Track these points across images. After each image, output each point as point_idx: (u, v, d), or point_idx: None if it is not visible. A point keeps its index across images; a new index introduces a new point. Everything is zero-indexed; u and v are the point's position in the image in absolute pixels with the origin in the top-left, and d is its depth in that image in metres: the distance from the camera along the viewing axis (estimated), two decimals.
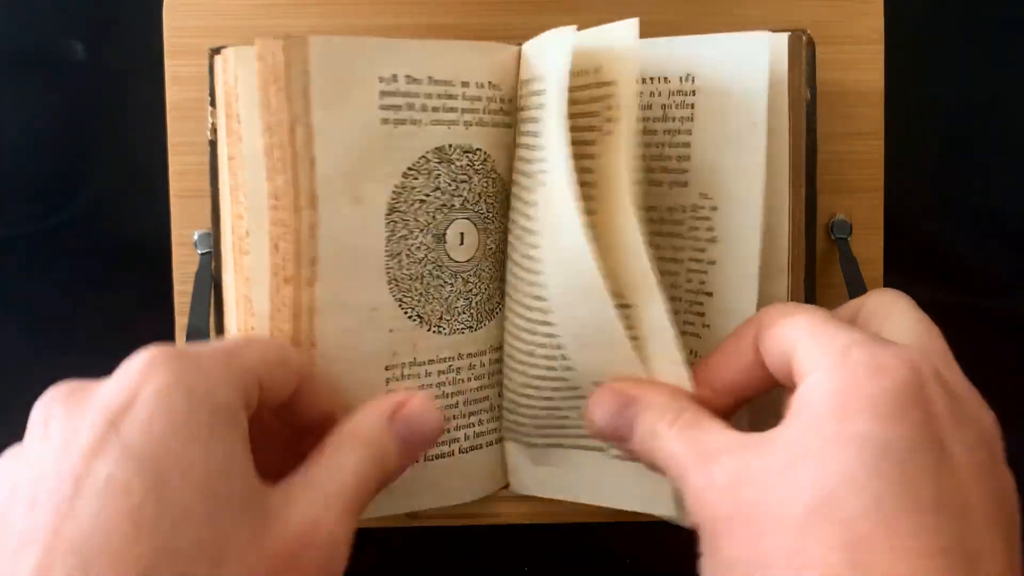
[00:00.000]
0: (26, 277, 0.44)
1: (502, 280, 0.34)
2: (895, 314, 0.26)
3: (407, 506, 0.34)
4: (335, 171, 0.30)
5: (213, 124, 0.34)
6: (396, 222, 0.31)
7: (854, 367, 0.22)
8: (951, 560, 0.20)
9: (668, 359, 0.29)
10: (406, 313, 0.32)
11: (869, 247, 0.38)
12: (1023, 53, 0.44)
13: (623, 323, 0.28)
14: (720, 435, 0.25)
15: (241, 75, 0.30)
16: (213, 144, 0.34)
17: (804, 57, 0.32)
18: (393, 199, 0.31)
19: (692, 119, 0.31)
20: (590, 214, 0.29)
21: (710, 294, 0.31)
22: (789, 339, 0.25)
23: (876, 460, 0.21)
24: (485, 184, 0.33)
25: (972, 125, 0.44)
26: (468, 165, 0.32)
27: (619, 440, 0.28)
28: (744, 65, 0.30)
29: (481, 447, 0.35)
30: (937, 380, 0.22)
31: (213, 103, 0.34)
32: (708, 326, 0.32)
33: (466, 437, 0.35)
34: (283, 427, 0.29)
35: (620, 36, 0.30)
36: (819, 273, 0.37)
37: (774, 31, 0.31)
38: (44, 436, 0.23)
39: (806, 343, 0.24)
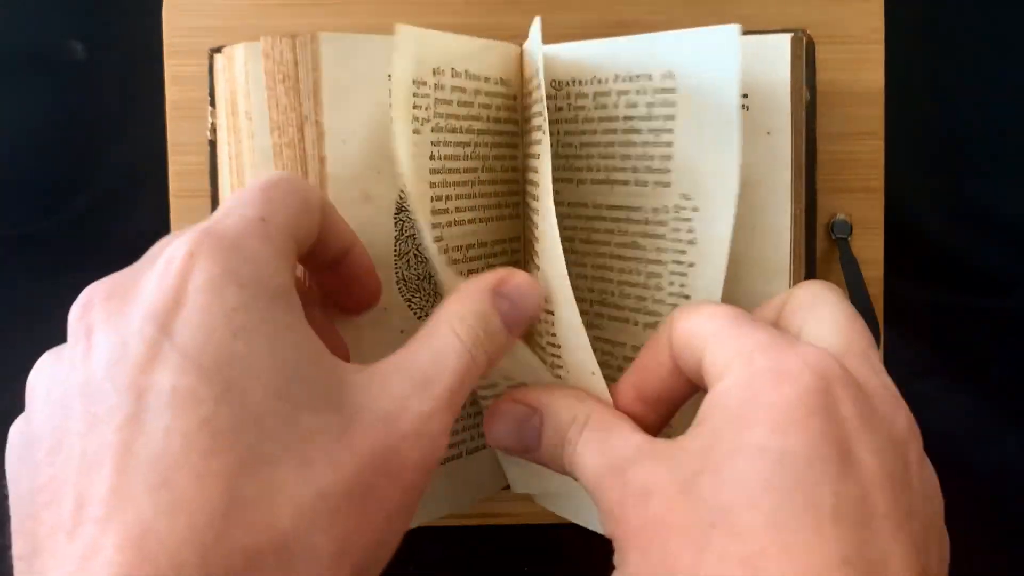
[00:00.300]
0: (26, 277, 0.44)
1: None
2: (819, 309, 0.25)
3: (418, 519, 0.33)
4: (345, 170, 0.30)
5: (213, 124, 0.34)
6: (404, 221, 0.31)
7: (757, 374, 0.21)
8: (851, 570, 0.19)
9: (586, 370, 0.27)
10: (415, 314, 0.32)
11: (869, 247, 0.38)
12: (1022, 53, 0.44)
13: (544, 328, 0.28)
14: (630, 440, 0.24)
15: (252, 72, 0.30)
16: (213, 144, 0.34)
17: (804, 57, 0.32)
18: (401, 198, 0.31)
19: (674, 117, 0.31)
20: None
21: (688, 297, 0.31)
22: (697, 341, 0.24)
23: (772, 472, 0.20)
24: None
25: (972, 125, 0.44)
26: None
27: (525, 452, 0.27)
28: (716, 60, 0.29)
29: (484, 447, 0.35)
30: (846, 384, 0.21)
31: (213, 103, 0.34)
32: None
33: (472, 437, 0.35)
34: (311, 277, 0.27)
35: (531, 38, 0.30)
36: (819, 273, 0.37)
37: (774, 31, 0.31)
38: (89, 347, 0.20)
39: (713, 347, 0.23)
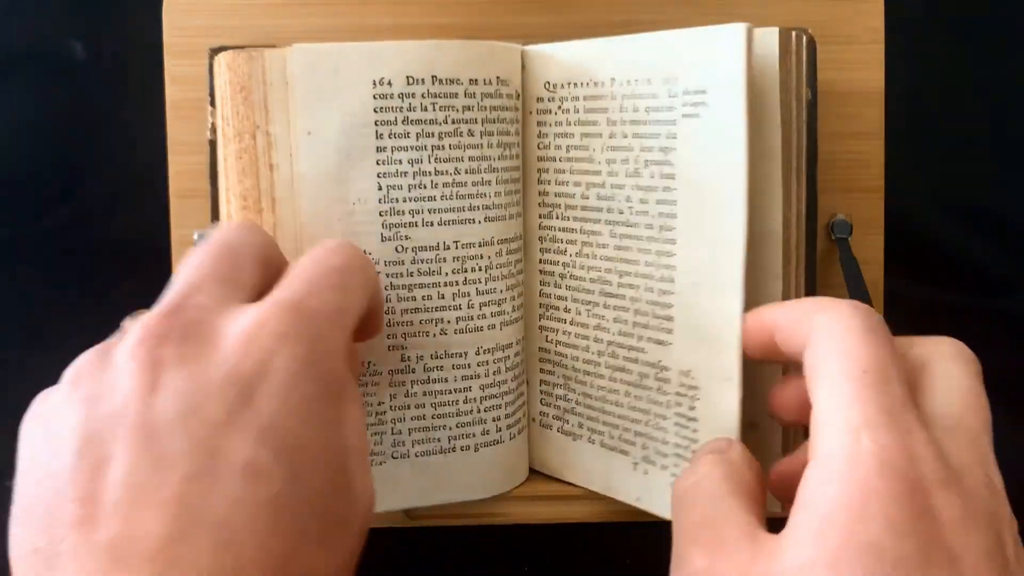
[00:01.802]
0: (26, 277, 0.44)
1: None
2: (942, 376, 0.24)
3: (429, 499, 0.35)
4: (319, 172, 0.32)
5: (213, 124, 0.34)
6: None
7: (865, 459, 0.21)
8: None
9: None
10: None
11: (869, 247, 0.38)
12: (1023, 53, 0.44)
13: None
14: (737, 518, 0.23)
15: (227, 80, 0.32)
16: (213, 144, 0.34)
17: (804, 56, 0.32)
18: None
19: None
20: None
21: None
22: (814, 375, 0.23)
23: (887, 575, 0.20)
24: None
25: (972, 125, 0.44)
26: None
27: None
28: (722, 59, 0.29)
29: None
30: (947, 479, 0.21)
31: (213, 103, 0.34)
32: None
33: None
34: None
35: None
36: (819, 273, 0.37)
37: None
38: (156, 385, 0.21)
39: (825, 402, 0.22)
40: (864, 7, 0.38)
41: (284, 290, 0.24)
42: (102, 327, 0.45)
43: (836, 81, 0.37)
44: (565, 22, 0.37)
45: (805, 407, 0.24)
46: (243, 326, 0.22)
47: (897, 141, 0.39)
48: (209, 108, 0.34)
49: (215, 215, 0.34)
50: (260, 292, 0.25)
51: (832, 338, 0.24)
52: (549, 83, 0.34)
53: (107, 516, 0.19)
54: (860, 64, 0.38)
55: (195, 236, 0.37)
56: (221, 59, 0.32)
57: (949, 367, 0.24)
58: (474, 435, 0.34)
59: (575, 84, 0.33)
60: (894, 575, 0.19)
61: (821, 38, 0.33)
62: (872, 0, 0.38)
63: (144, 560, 0.18)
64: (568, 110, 0.34)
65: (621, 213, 0.33)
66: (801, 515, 0.21)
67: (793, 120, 0.32)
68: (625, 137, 0.32)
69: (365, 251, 0.32)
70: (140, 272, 0.42)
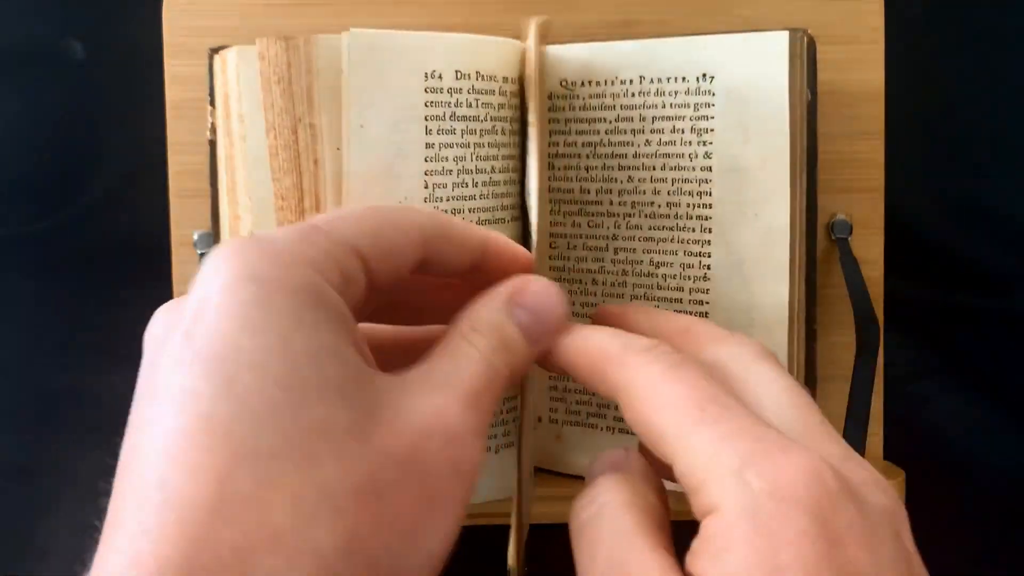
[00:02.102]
0: (26, 277, 0.44)
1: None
2: (762, 383, 0.24)
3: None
4: (369, 168, 0.30)
5: (213, 124, 0.34)
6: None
7: (759, 502, 0.20)
8: None
9: None
10: None
11: (869, 247, 0.38)
12: (1023, 53, 0.44)
13: None
14: (652, 561, 0.21)
15: (244, 74, 0.30)
16: (213, 144, 0.34)
17: (805, 57, 0.32)
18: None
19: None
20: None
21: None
22: (655, 437, 0.22)
23: None
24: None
25: (972, 125, 0.44)
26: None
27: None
28: (762, 66, 0.30)
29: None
30: (842, 491, 0.20)
31: (213, 103, 0.34)
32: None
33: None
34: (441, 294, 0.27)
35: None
36: (819, 273, 0.37)
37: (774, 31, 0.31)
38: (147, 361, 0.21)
39: (685, 456, 0.21)
40: (864, 7, 0.38)
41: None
42: (102, 327, 0.45)
43: (836, 81, 0.37)
44: (566, 22, 0.37)
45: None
46: (200, 271, 0.21)
47: (897, 141, 0.39)
48: (209, 108, 0.34)
49: (215, 215, 0.34)
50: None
51: (648, 390, 0.23)
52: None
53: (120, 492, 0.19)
54: (860, 64, 0.38)
55: (195, 236, 0.37)
56: (243, 52, 0.30)
57: (760, 369, 0.24)
58: (496, 436, 0.34)
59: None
60: None
61: (821, 38, 0.33)
62: (872, 0, 0.38)
63: (111, 527, 0.19)
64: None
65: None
66: (713, 572, 0.20)
67: (795, 120, 0.32)
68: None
69: None
70: (140, 272, 0.42)
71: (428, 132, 0.30)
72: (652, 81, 0.32)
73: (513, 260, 0.26)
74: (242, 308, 0.19)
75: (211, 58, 0.33)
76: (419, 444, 0.20)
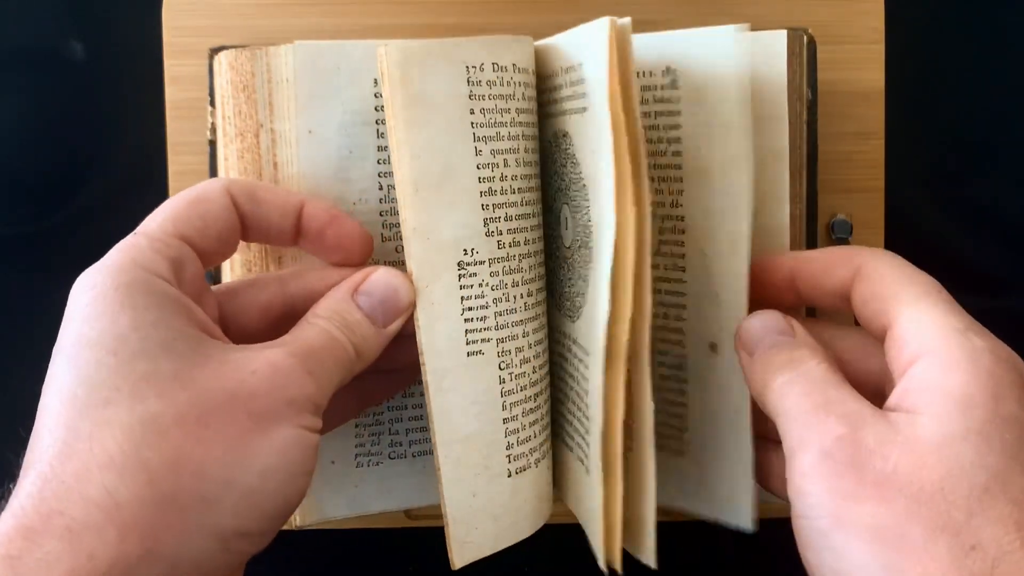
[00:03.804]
0: (26, 277, 0.44)
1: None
2: (912, 292, 0.27)
3: (428, 498, 0.35)
4: (320, 171, 0.31)
5: (213, 124, 0.34)
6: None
7: (980, 352, 0.24)
8: None
9: None
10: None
11: (869, 247, 0.38)
12: (1023, 53, 0.44)
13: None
14: (860, 399, 0.25)
15: (227, 80, 0.31)
16: (213, 144, 0.34)
17: (805, 57, 0.32)
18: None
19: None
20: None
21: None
22: (884, 302, 0.27)
23: None
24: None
25: (972, 125, 0.44)
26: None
27: (749, 349, 0.29)
28: (721, 60, 0.29)
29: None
30: None
31: (213, 103, 0.34)
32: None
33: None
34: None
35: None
36: None
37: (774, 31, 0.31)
38: None
39: (910, 320, 0.25)
40: (864, 7, 0.38)
41: None
42: None
43: (836, 81, 0.37)
44: (566, 22, 0.37)
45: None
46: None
47: (897, 141, 0.39)
48: (209, 108, 0.34)
49: None
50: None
51: (892, 269, 0.27)
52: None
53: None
54: (860, 64, 0.38)
55: None
56: (222, 58, 0.32)
57: (913, 289, 0.27)
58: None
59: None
60: None
61: (821, 38, 0.33)
62: (872, 0, 0.38)
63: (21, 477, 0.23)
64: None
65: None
66: (934, 396, 0.23)
67: (795, 120, 0.32)
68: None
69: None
70: None
71: (380, 135, 0.32)
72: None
73: (331, 222, 0.30)
74: (81, 309, 0.25)
75: (211, 58, 0.33)
76: (245, 379, 0.24)
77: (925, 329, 0.25)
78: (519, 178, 0.30)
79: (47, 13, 0.43)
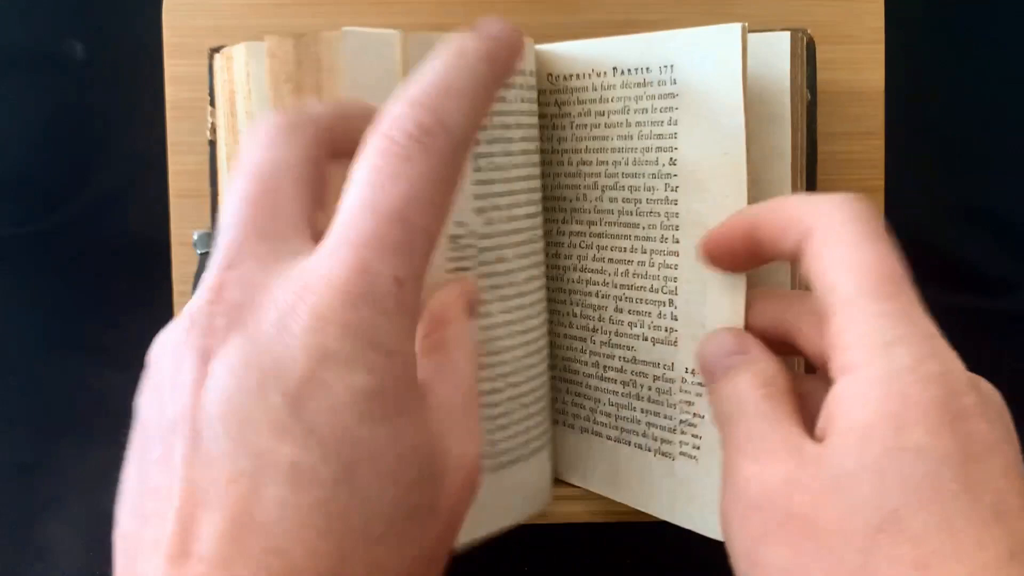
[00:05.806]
0: (26, 276, 0.44)
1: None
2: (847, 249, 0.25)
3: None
4: None
5: (213, 124, 0.34)
6: None
7: (901, 373, 0.22)
8: (1017, 564, 0.20)
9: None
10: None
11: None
12: (1023, 53, 0.44)
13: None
14: (782, 430, 0.24)
15: (254, 72, 0.30)
16: (213, 144, 0.34)
17: (804, 57, 0.32)
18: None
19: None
20: None
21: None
22: (827, 292, 0.24)
23: (938, 474, 0.21)
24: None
25: (972, 125, 0.44)
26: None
27: (707, 377, 0.28)
28: (719, 59, 0.29)
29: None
30: (970, 381, 0.22)
31: (213, 103, 0.34)
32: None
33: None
34: None
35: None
36: None
37: (775, 31, 0.31)
38: (204, 376, 0.20)
39: (846, 322, 0.23)
40: (864, 7, 0.38)
41: (334, 244, 0.21)
42: (102, 326, 0.45)
43: (836, 81, 0.37)
44: (566, 22, 0.37)
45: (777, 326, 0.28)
46: (281, 306, 0.20)
47: (897, 141, 0.39)
48: (209, 108, 0.34)
49: (215, 215, 0.34)
50: (315, 220, 0.23)
51: (839, 245, 0.24)
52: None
53: (170, 515, 0.19)
54: (860, 64, 0.38)
55: (194, 236, 0.37)
56: (252, 48, 0.30)
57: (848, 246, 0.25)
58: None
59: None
60: (940, 470, 0.21)
61: (821, 38, 0.33)
62: (872, 0, 0.38)
63: (206, 563, 0.18)
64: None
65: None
66: (841, 424, 0.22)
67: (795, 121, 0.32)
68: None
69: None
70: (140, 272, 0.42)
71: None
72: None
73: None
74: (359, 397, 0.20)
75: (211, 58, 0.33)
76: (462, 501, 0.23)
77: (852, 340, 0.23)
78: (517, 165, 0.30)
79: (47, 13, 0.43)
